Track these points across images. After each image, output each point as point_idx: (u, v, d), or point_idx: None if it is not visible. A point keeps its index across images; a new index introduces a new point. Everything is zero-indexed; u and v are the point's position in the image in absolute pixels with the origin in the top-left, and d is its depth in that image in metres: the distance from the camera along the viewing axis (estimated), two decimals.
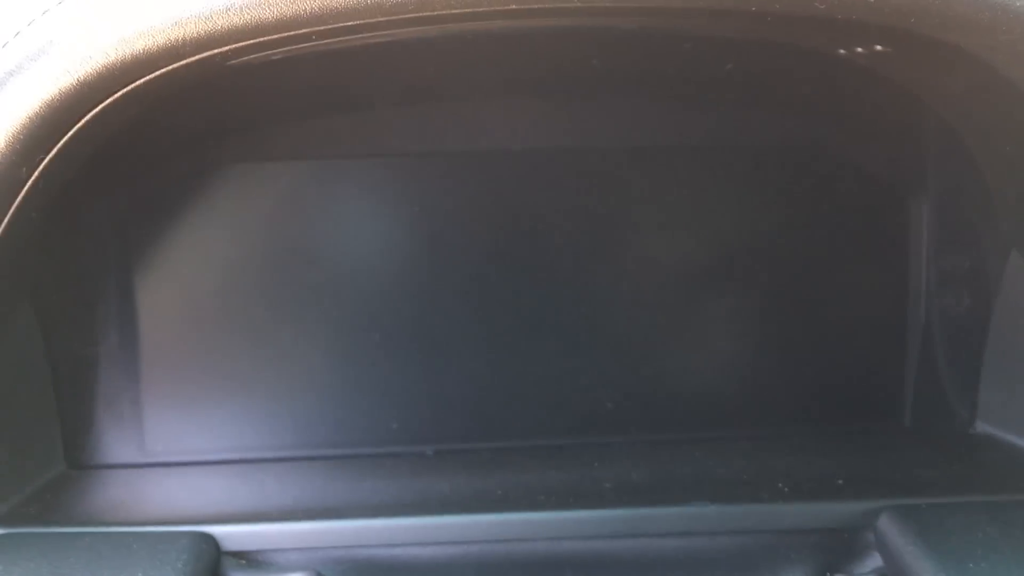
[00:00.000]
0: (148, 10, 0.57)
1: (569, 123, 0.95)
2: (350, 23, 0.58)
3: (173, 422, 0.93)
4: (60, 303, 0.88)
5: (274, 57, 0.63)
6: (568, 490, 0.81)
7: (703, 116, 0.95)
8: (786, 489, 0.80)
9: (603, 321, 0.96)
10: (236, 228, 0.94)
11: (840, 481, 0.81)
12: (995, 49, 0.62)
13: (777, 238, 0.97)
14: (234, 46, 0.58)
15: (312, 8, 0.56)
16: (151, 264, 0.92)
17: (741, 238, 0.97)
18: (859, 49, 0.71)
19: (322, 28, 0.58)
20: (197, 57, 0.59)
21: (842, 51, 0.72)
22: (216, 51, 0.58)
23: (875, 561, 0.75)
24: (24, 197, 0.64)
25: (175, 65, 0.59)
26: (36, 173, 0.63)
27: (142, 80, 0.60)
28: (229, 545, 0.75)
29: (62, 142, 0.63)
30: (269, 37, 0.58)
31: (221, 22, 0.56)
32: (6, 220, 0.65)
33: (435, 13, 0.58)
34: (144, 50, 0.58)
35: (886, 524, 0.73)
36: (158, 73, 0.60)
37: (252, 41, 0.58)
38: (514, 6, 0.58)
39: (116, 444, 0.92)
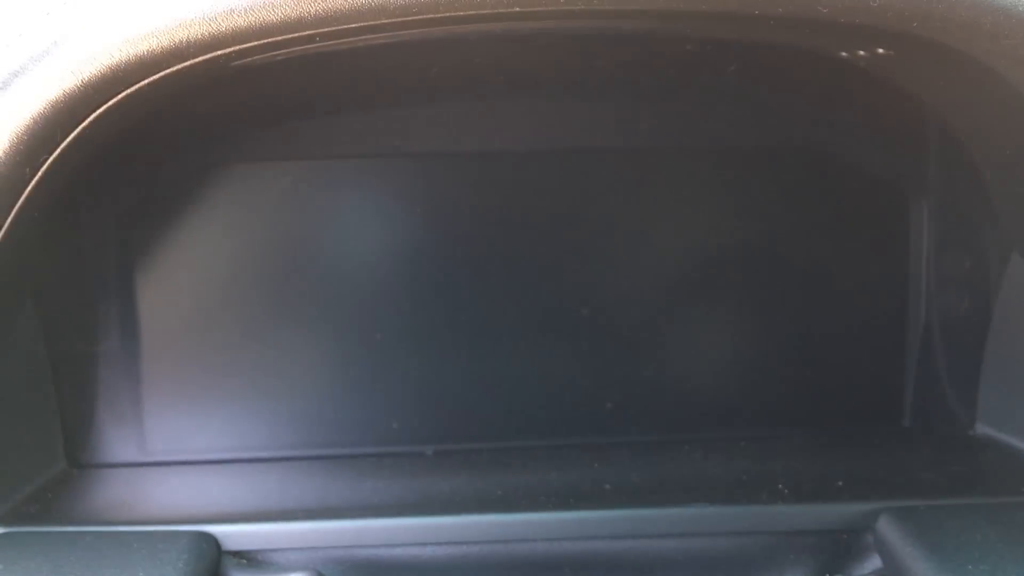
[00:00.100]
0: (152, 11, 0.57)
1: (571, 124, 0.95)
2: (353, 25, 0.58)
3: (174, 421, 0.93)
4: (61, 302, 0.88)
5: (277, 58, 0.63)
6: (568, 491, 0.82)
7: (705, 117, 0.95)
8: (786, 490, 0.80)
9: (604, 322, 0.96)
10: (237, 228, 0.94)
11: (840, 482, 0.82)
12: (997, 53, 0.63)
13: (778, 239, 0.97)
14: (238, 47, 0.58)
15: (316, 10, 0.56)
16: (153, 264, 0.92)
17: (742, 239, 0.97)
18: (861, 52, 0.71)
19: (326, 30, 0.58)
20: (201, 58, 0.59)
21: (844, 54, 0.72)
22: (220, 52, 0.58)
23: (874, 562, 0.75)
24: (27, 197, 0.64)
25: (179, 66, 0.59)
26: (39, 173, 0.63)
27: (146, 81, 0.60)
28: (230, 544, 0.76)
29: (65, 142, 0.63)
30: (273, 39, 0.58)
31: (225, 24, 0.57)
32: (9, 220, 0.65)
33: (438, 16, 0.58)
34: (148, 51, 0.58)
35: (885, 525, 0.74)
36: (162, 74, 0.60)
37: (256, 43, 0.58)
38: (518, 9, 0.58)
39: (117, 443, 0.92)
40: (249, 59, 0.62)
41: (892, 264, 0.97)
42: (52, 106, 0.60)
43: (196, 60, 0.59)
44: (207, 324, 0.94)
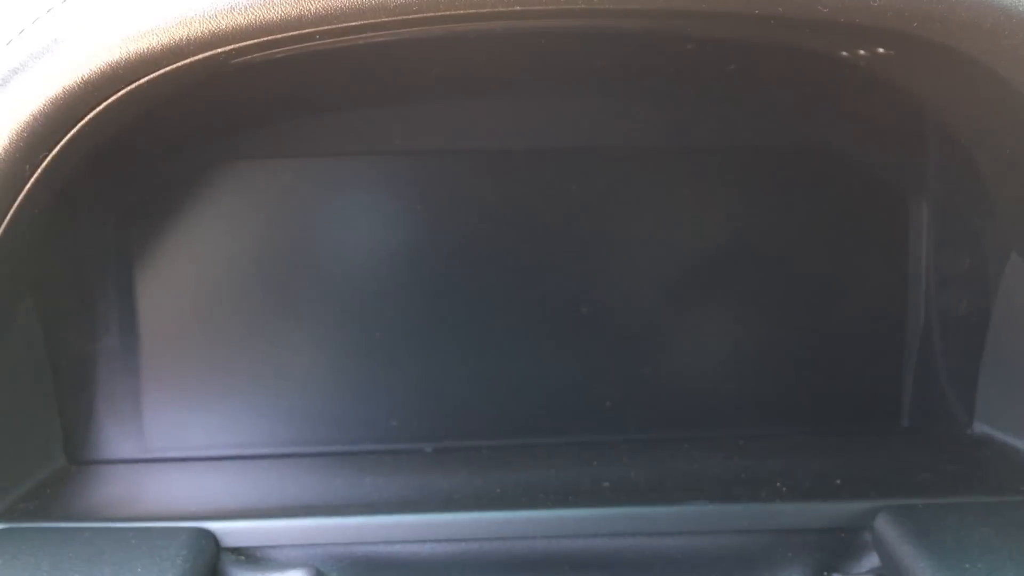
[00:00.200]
0: (152, 9, 0.57)
1: (570, 123, 0.95)
2: (353, 23, 0.58)
3: (173, 418, 0.94)
4: (61, 299, 0.88)
5: (277, 56, 0.63)
6: (567, 488, 0.82)
7: (704, 117, 0.95)
8: (784, 489, 0.80)
9: (603, 320, 0.96)
10: (237, 225, 0.94)
11: (838, 481, 0.82)
12: (997, 53, 0.62)
13: (777, 238, 0.97)
14: (238, 45, 0.58)
15: (317, 8, 0.56)
16: (152, 261, 0.92)
17: (741, 238, 0.97)
18: (861, 52, 0.71)
19: (325, 28, 0.58)
20: (201, 56, 0.59)
21: (844, 53, 0.72)
22: (220, 50, 0.58)
23: (872, 561, 0.75)
24: (26, 194, 0.64)
25: (178, 64, 0.59)
26: (39, 170, 0.63)
27: (145, 79, 0.60)
28: (228, 541, 0.76)
29: (65, 140, 0.62)
30: (273, 36, 0.58)
31: (225, 21, 0.56)
32: (8, 217, 0.65)
33: (438, 14, 0.58)
34: (148, 49, 0.58)
35: (884, 524, 0.74)
36: (161, 72, 0.60)
37: (256, 40, 0.58)
38: (518, 7, 0.58)
39: (116, 440, 0.93)
40: (249, 57, 0.62)
41: (891, 263, 0.97)
42: (52, 103, 0.60)
43: (196, 58, 0.59)
44: (206, 321, 0.94)
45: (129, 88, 0.60)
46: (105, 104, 0.61)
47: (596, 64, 0.85)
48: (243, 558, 0.76)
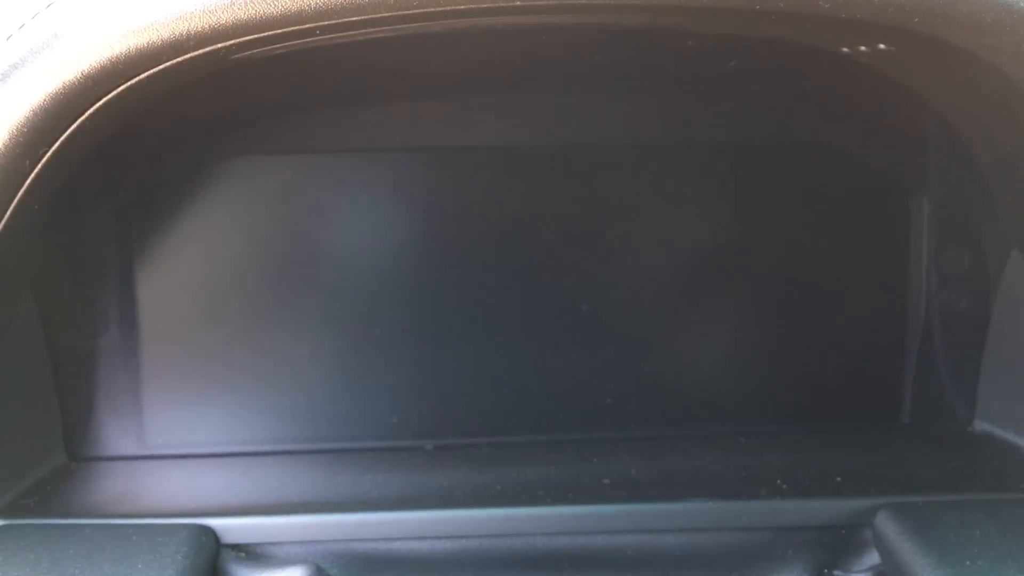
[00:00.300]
0: (152, 4, 0.57)
1: (571, 120, 0.95)
2: (354, 19, 0.58)
3: (173, 415, 0.93)
4: (61, 296, 0.88)
5: (278, 51, 0.63)
6: (567, 486, 0.82)
7: (704, 113, 0.95)
8: (785, 486, 0.80)
9: (603, 317, 0.96)
10: (237, 222, 0.93)
11: (839, 478, 0.82)
12: (998, 49, 0.62)
13: (777, 236, 0.97)
14: (238, 40, 0.58)
15: (317, 4, 0.56)
16: (152, 257, 0.92)
17: (741, 235, 0.97)
18: (862, 48, 0.71)
19: (326, 23, 0.58)
20: (201, 51, 0.59)
21: (845, 49, 0.72)
22: (220, 46, 0.58)
23: (873, 558, 0.75)
24: (26, 190, 0.64)
25: (179, 59, 0.59)
26: (39, 166, 0.63)
27: (145, 74, 0.60)
28: (228, 538, 0.76)
29: (65, 135, 0.62)
30: (273, 32, 0.58)
31: (225, 17, 0.56)
32: (8, 213, 0.65)
33: (439, 9, 0.58)
34: (148, 44, 0.58)
35: (884, 521, 0.74)
36: (161, 67, 0.59)
37: (256, 36, 0.58)
38: (519, 2, 0.58)
39: (116, 436, 0.93)
40: (249, 52, 0.62)
41: (892, 261, 0.97)
42: (52, 98, 0.59)
43: (196, 53, 0.59)
44: (206, 317, 0.94)
45: (129, 83, 0.60)
46: (105, 99, 0.61)
47: (597, 61, 0.85)
48: (243, 554, 0.76)
